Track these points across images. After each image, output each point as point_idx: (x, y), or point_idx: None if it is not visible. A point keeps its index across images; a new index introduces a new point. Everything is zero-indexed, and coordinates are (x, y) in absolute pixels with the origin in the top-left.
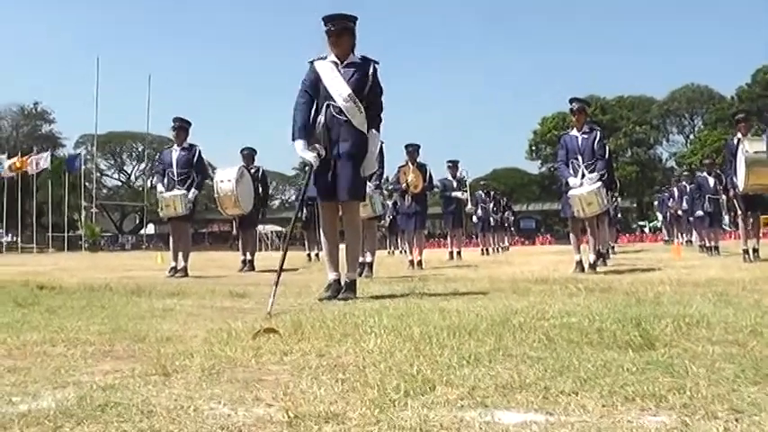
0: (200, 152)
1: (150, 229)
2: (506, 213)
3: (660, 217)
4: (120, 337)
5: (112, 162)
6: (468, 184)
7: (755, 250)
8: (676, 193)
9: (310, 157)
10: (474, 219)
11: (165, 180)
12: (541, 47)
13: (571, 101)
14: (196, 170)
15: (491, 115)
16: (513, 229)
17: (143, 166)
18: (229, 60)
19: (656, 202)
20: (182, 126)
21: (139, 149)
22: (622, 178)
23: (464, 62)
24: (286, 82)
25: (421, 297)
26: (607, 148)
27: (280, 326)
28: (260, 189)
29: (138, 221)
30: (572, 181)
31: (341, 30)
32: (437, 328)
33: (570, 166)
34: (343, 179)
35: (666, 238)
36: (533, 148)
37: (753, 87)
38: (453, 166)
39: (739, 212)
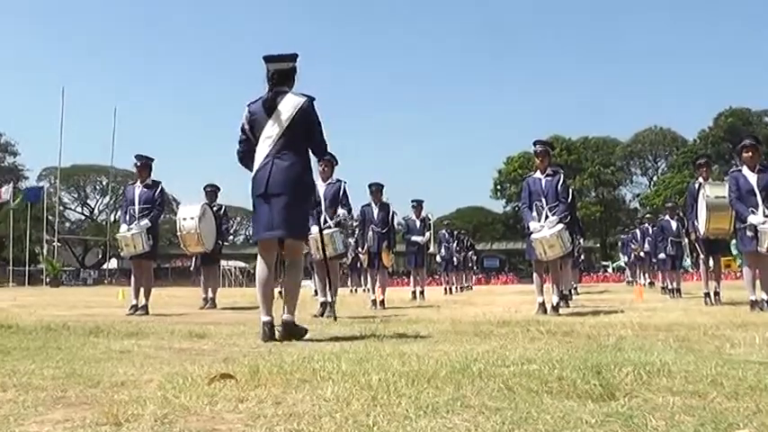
0: (162, 189)
1: (113, 263)
2: (470, 253)
3: (624, 258)
4: (73, 381)
5: (76, 196)
6: (431, 224)
7: (717, 293)
8: (639, 235)
9: None
10: (437, 258)
11: (127, 217)
12: (507, 86)
13: (535, 143)
14: (155, 205)
15: (456, 154)
16: (476, 268)
17: (107, 199)
18: (197, 93)
19: (619, 243)
20: (145, 163)
21: (103, 183)
22: (587, 218)
23: (429, 101)
24: None
25: (381, 340)
26: (570, 190)
27: (237, 371)
28: (222, 226)
29: (100, 256)
30: (533, 225)
31: None
32: (396, 375)
33: (534, 208)
34: None
35: (629, 279)
36: (498, 187)
37: (715, 131)
38: (418, 206)
39: (701, 255)
